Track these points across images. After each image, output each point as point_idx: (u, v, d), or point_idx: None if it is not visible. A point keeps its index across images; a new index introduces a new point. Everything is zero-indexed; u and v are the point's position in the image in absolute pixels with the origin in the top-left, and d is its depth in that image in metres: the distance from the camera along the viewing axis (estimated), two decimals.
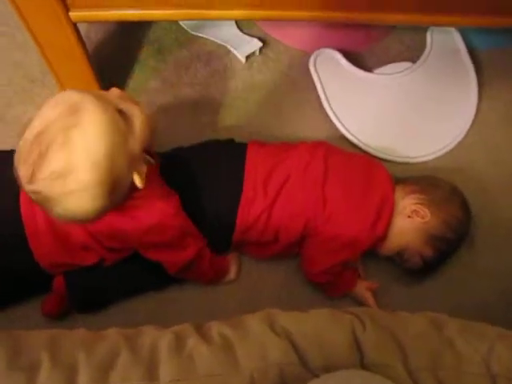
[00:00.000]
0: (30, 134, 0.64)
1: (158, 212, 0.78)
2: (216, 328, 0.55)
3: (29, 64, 1.15)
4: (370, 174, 0.91)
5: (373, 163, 0.95)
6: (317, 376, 0.50)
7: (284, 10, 0.88)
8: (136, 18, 0.89)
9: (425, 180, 0.95)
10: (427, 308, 0.67)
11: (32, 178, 0.63)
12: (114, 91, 0.71)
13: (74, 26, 0.88)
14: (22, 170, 0.64)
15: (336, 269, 0.89)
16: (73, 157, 0.62)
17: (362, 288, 0.93)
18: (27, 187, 0.64)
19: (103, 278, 0.87)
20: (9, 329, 0.85)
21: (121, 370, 0.49)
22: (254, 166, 0.88)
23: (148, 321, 0.66)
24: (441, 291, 0.98)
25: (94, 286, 0.88)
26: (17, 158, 0.65)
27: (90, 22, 1.11)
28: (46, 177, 0.62)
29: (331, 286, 0.93)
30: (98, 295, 0.90)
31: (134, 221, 0.77)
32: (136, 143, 0.68)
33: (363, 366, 0.53)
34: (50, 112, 0.65)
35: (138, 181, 0.72)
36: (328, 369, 0.50)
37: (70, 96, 0.66)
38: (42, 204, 0.66)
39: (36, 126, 0.64)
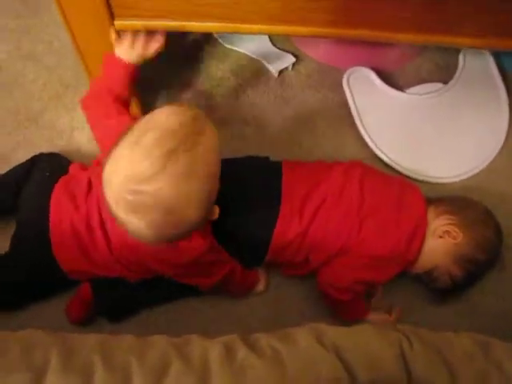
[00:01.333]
0: (141, 138, 0.61)
1: (197, 249, 0.76)
2: (264, 340, 0.55)
3: (63, 70, 1.17)
4: (404, 196, 0.91)
5: (407, 185, 0.95)
6: None
7: (316, 27, 0.88)
8: (176, 29, 0.90)
9: (457, 201, 0.96)
10: None
11: (148, 179, 0.59)
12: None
13: (118, 34, 0.89)
14: (131, 171, 0.60)
15: (358, 288, 0.88)
16: (196, 163, 0.61)
17: (377, 320, 0.92)
18: (134, 187, 0.60)
19: (130, 289, 0.88)
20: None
21: (174, 378, 0.49)
22: (291, 187, 0.88)
23: (170, 330, 0.66)
24: (464, 316, 0.97)
25: (121, 300, 0.89)
26: (119, 164, 0.61)
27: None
28: (164, 178, 0.60)
29: (345, 308, 0.91)
30: (125, 304, 0.90)
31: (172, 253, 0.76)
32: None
33: (410, 381, 0.53)
34: (171, 119, 0.62)
35: (216, 211, 0.71)
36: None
37: (186, 109, 0.65)
38: (133, 207, 0.61)
39: (151, 129, 0.61)
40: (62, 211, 0.82)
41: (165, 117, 0.63)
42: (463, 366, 0.55)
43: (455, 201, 0.95)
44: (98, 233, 0.81)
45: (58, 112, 1.12)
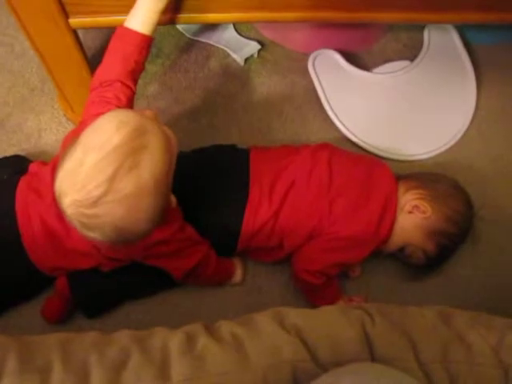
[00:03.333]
0: (84, 159, 0.60)
1: (164, 226, 0.76)
2: (226, 327, 0.55)
3: (28, 73, 1.16)
4: (373, 174, 0.91)
5: (376, 164, 0.95)
6: (328, 371, 0.50)
7: (279, 12, 0.88)
8: None
9: (426, 176, 0.96)
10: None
11: (95, 203, 0.60)
12: (149, 113, 0.68)
13: (74, 32, 0.88)
14: (78, 196, 0.60)
15: (332, 271, 0.88)
16: (141, 180, 0.61)
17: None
18: (84, 211, 0.60)
19: (107, 282, 0.87)
20: (9, 333, 0.87)
21: (133, 371, 0.49)
22: (259, 173, 0.87)
23: (152, 325, 0.66)
24: (443, 289, 0.98)
25: (99, 290, 0.88)
26: (67, 183, 0.61)
27: (89, 29, 1.11)
28: (112, 200, 0.60)
29: (317, 293, 0.91)
30: (103, 298, 0.90)
31: None
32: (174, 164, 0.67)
33: (374, 359, 0.53)
34: (112, 135, 0.61)
35: (174, 201, 0.71)
36: (339, 364, 0.50)
37: (131, 118, 0.63)
38: (88, 227, 0.62)
39: (93, 149, 0.61)
40: (29, 209, 0.80)
41: (107, 134, 0.61)
42: (425, 338, 0.55)
43: (424, 176, 0.95)
44: None
45: (25, 115, 1.11)
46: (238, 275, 0.95)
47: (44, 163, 0.90)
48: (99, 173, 0.59)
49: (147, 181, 0.61)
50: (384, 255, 0.94)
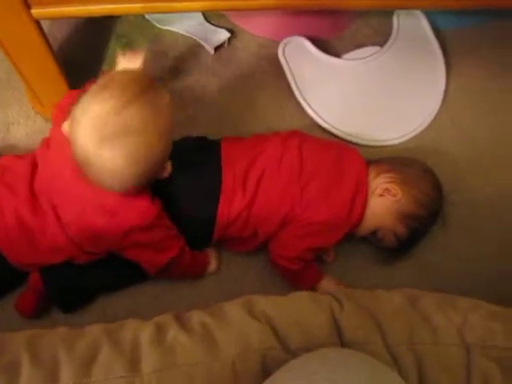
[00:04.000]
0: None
1: (144, 211, 0.78)
2: (196, 317, 0.56)
3: None
4: (343, 159, 0.91)
5: (346, 149, 0.95)
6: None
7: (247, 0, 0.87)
8: (100, 13, 0.87)
9: (396, 160, 0.97)
10: None
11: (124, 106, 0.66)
12: None
13: (37, 23, 0.86)
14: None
15: (308, 256, 0.89)
16: (159, 99, 0.71)
17: (331, 284, 0.92)
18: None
19: (80, 275, 0.86)
20: None
21: (103, 364, 0.49)
22: (231, 163, 0.87)
23: (128, 318, 0.66)
24: (415, 274, 0.99)
25: (72, 283, 0.87)
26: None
27: (53, 19, 1.09)
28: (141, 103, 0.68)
29: (298, 277, 0.92)
30: (77, 292, 0.89)
31: (117, 219, 0.77)
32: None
33: (343, 344, 0.54)
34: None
35: (168, 168, 0.77)
36: (308, 350, 0.50)
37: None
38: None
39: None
40: (1, 203, 0.80)
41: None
42: (392, 321, 0.56)
43: (394, 160, 0.96)
44: (50, 215, 0.80)
45: None
46: (212, 265, 0.95)
47: (18, 157, 0.88)
48: (127, 86, 0.69)
49: (162, 102, 0.71)
50: (357, 239, 0.95)
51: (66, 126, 0.73)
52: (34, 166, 0.84)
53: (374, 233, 0.92)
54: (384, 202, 0.90)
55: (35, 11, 0.83)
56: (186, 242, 0.88)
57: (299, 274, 0.91)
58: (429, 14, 1.15)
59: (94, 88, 0.70)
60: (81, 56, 1.13)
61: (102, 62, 1.14)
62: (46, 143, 0.85)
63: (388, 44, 1.13)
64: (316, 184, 0.87)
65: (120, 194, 0.75)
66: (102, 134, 0.66)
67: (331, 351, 0.49)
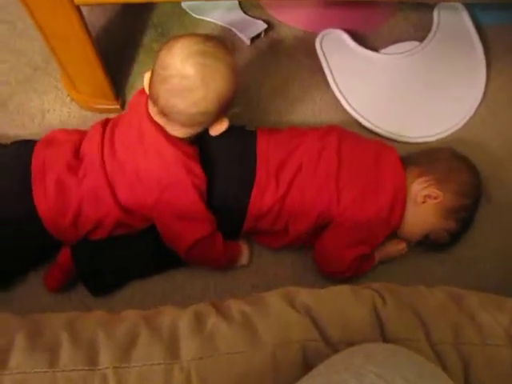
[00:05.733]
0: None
1: (194, 177, 0.82)
2: (235, 306, 0.55)
3: (31, 52, 1.14)
4: (381, 161, 0.90)
5: (384, 149, 0.93)
6: (338, 351, 0.50)
7: None
8: (139, 0, 0.88)
9: (424, 158, 0.94)
10: None
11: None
12: None
13: (78, 9, 0.86)
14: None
15: (356, 263, 0.88)
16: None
17: (391, 248, 0.94)
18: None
19: (112, 256, 0.87)
20: (15, 306, 0.85)
21: (142, 350, 0.48)
22: (266, 155, 0.87)
23: (155, 306, 0.66)
24: (451, 272, 0.98)
25: (104, 266, 0.87)
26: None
27: (93, 5, 1.09)
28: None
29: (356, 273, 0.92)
30: (108, 276, 0.89)
31: (163, 162, 0.81)
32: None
33: (385, 340, 0.53)
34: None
35: (224, 125, 0.83)
36: (350, 344, 0.49)
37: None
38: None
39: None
40: (45, 167, 0.83)
41: None
42: (436, 318, 0.54)
43: (422, 158, 0.94)
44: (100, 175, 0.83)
45: (28, 95, 1.10)
46: (244, 257, 0.94)
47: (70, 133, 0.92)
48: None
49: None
50: (412, 245, 0.95)
51: (145, 78, 0.82)
52: (81, 135, 0.89)
53: (427, 236, 0.92)
54: (428, 207, 0.89)
55: None
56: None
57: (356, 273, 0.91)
58: (471, 10, 1.12)
59: None
60: (117, 45, 1.14)
61: (138, 50, 1.14)
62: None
63: (428, 39, 1.10)
64: (354, 187, 0.86)
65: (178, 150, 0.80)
66: (190, 51, 0.74)
67: (376, 346, 0.47)
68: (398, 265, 0.96)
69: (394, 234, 0.94)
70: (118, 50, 1.13)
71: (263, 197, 0.85)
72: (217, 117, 0.82)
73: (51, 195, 0.81)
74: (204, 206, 0.83)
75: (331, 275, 0.90)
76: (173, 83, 0.76)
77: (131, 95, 1.09)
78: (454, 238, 0.93)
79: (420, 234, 0.92)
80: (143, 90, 0.84)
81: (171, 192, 0.81)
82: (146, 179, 0.82)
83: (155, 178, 0.82)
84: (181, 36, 0.78)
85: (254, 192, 0.85)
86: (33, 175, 0.82)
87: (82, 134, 0.90)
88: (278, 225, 0.88)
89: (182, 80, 0.75)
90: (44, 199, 0.81)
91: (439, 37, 1.10)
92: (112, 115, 1.07)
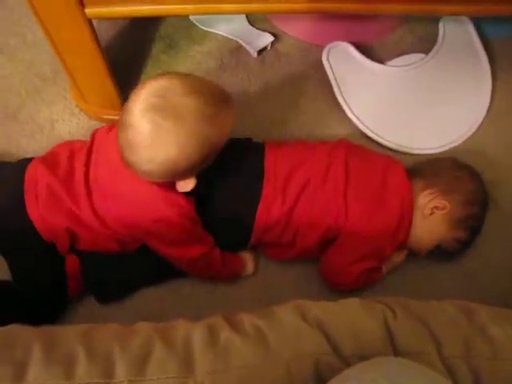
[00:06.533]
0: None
1: (178, 208, 0.79)
2: (248, 320, 0.55)
3: (40, 63, 1.16)
4: (389, 176, 0.90)
5: (392, 164, 0.93)
6: (350, 365, 0.50)
7: (291, 3, 0.87)
8: (149, 14, 0.89)
9: (427, 169, 0.95)
10: None
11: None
12: None
13: (89, 22, 0.88)
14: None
15: (363, 276, 0.89)
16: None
17: (395, 258, 0.94)
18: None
19: (119, 267, 0.88)
20: None
21: (157, 363, 0.49)
22: (273, 167, 0.87)
23: (163, 318, 0.66)
24: (456, 284, 0.97)
25: (110, 275, 0.88)
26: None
27: (105, 19, 1.11)
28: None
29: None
30: (115, 285, 0.90)
31: (141, 201, 0.79)
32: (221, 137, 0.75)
33: (396, 353, 0.53)
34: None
35: (190, 184, 0.77)
36: (361, 358, 0.50)
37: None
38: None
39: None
40: (36, 176, 0.83)
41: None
42: (448, 333, 0.55)
43: (426, 170, 0.95)
44: (84, 198, 0.81)
45: (37, 106, 1.11)
46: (249, 268, 0.95)
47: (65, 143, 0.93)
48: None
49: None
50: (422, 257, 0.95)
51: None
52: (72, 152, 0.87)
53: (437, 247, 0.93)
54: (436, 218, 0.90)
55: (89, 10, 0.85)
56: (223, 244, 0.88)
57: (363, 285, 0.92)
58: (476, 22, 1.13)
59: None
60: (125, 56, 1.15)
61: (146, 62, 1.16)
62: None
63: (433, 51, 1.11)
64: (362, 202, 0.87)
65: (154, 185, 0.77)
66: (153, 104, 0.69)
67: (388, 360, 0.48)
68: (404, 276, 0.97)
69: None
70: (126, 61, 1.14)
71: (270, 210, 0.86)
72: (178, 177, 0.76)
73: (43, 200, 0.81)
74: (196, 228, 0.83)
75: (337, 287, 0.91)
76: (127, 134, 0.71)
77: None
78: (464, 246, 0.94)
79: (430, 245, 0.92)
80: None
81: (159, 225, 0.80)
82: (131, 213, 0.80)
83: (139, 214, 0.79)
84: (162, 76, 0.72)
85: (261, 206, 0.86)
86: (25, 185, 0.82)
87: (80, 143, 0.90)
88: (285, 237, 0.89)
89: (134, 134, 0.70)
90: (35, 205, 0.81)
91: (445, 49, 1.11)
92: None
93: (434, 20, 1.16)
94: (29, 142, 1.07)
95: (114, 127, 0.84)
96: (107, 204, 0.81)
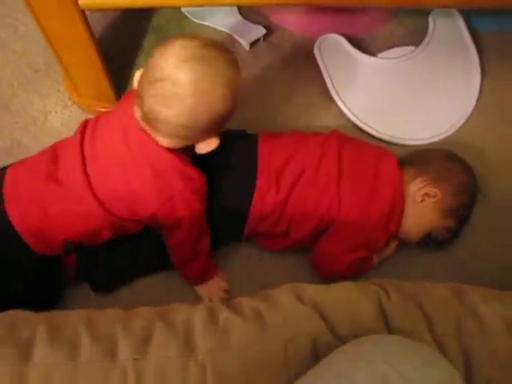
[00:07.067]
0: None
1: (191, 183, 0.79)
2: (246, 302, 0.57)
3: (32, 54, 1.15)
4: (381, 166, 0.91)
5: (384, 155, 0.95)
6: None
7: None
8: (144, 5, 0.89)
9: (418, 159, 0.97)
10: None
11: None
12: None
13: (83, 14, 0.88)
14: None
15: (355, 265, 0.90)
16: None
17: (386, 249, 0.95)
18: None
19: (111, 255, 0.87)
20: None
21: (159, 343, 0.50)
22: (267, 158, 0.88)
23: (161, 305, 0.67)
24: (445, 272, 0.99)
25: (103, 263, 0.88)
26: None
27: (99, 10, 1.11)
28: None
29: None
30: (107, 273, 0.90)
31: (155, 171, 0.77)
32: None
33: (390, 332, 0.55)
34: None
35: (212, 144, 0.76)
36: (356, 337, 0.51)
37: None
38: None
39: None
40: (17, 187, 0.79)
41: None
42: (439, 312, 0.56)
43: (416, 158, 0.97)
44: (81, 181, 0.77)
45: (30, 97, 1.11)
46: (212, 285, 0.92)
47: None
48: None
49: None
50: (413, 246, 0.97)
51: (136, 76, 0.76)
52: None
53: (427, 236, 0.94)
54: (426, 206, 0.91)
55: (82, 2, 0.85)
56: (218, 235, 0.89)
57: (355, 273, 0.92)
58: (466, 15, 1.15)
59: None
60: (117, 48, 1.15)
61: (138, 54, 1.16)
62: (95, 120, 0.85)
63: (423, 44, 1.13)
64: (354, 192, 0.88)
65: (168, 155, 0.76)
66: (187, 55, 0.68)
67: (383, 337, 0.49)
68: (395, 265, 0.98)
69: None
70: (118, 53, 1.14)
71: (264, 200, 0.87)
72: (205, 135, 0.76)
73: (23, 202, 0.78)
74: (202, 216, 0.83)
75: (328, 276, 0.91)
76: (162, 88, 0.69)
77: None
78: (453, 235, 0.96)
79: (421, 233, 0.94)
80: (133, 91, 0.79)
81: (171, 204, 0.78)
82: (139, 191, 0.78)
83: (150, 191, 0.77)
84: (180, 36, 0.72)
85: (256, 195, 0.87)
86: (4, 187, 0.78)
87: (60, 142, 0.86)
88: (279, 227, 0.90)
89: (172, 86, 0.68)
90: (16, 208, 0.77)
91: (434, 42, 1.13)
92: None
93: (424, 13, 1.18)
94: (22, 134, 1.07)
95: (103, 114, 0.84)
96: (109, 181, 0.78)
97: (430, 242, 0.96)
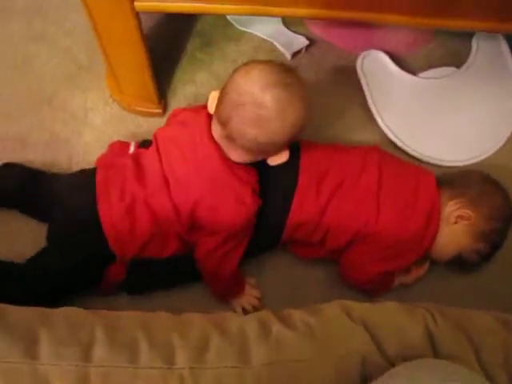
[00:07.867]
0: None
1: (248, 205, 0.83)
2: (296, 315, 0.57)
3: (76, 51, 1.17)
4: (420, 183, 0.92)
5: (424, 173, 0.96)
6: (393, 365, 0.52)
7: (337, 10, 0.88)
8: (193, 11, 0.90)
9: (456, 180, 0.97)
10: None
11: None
12: None
13: (137, 15, 0.89)
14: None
15: (378, 278, 0.91)
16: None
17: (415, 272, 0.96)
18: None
19: (157, 265, 0.88)
20: None
21: (215, 352, 0.50)
22: (308, 167, 0.89)
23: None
24: (475, 298, 0.98)
25: (148, 273, 0.89)
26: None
27: (153, 13, 1.12)
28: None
29: (373, 290, 0.94)
30: (150, 281, 0.91)
31: (213, 183, 0.82)
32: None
33: (436, 357, 0.55)
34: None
35: (283, 156, 0.83)
36: (405, 359, 0.52)
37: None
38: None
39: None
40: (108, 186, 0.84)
41: None
42: (486, 339, 0.57)
43: (455, 180, 0.97)
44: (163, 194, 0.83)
45: (72, 93, 1.12)
46: (242, 299, 0.93)
47: (123, 148, 0.93)
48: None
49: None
50: (443, 266, 0.97)
51: (211, 98, 0.83)
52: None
53: (457, 257, 0.94)
54: (459, 227, 0.92)
55: (138, 4, 0.86)
56: (256, 241, 0.90)
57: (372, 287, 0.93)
58: (510, 39, 1.15)
59: None
60: (161, 49, 1.16)
61: (182, 57, 1.17)
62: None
63: (465, 66, 1.14)
64: (392, 207, 0.88)
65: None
66: (269, 80, 0.75)
67: (438, 362, 0.50)
68: (425, 287, 0.98)
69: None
70: (162, 55, 1.15)
71: (303, 206, 0.88)
72: (282, 148, 0.83)
73: (115, 203, 0.83)
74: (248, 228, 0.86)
75: (349, 282, 0.93)
76: (248, 110, 0.75)
77: (172, 101, 1.13)
78: (484, 259, 0.96)
79: (451, 253, 0.94)
80: (200, 107, 0.86)
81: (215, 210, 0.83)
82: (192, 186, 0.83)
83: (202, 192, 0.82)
84: (259, 62, 0.79)
85: (295, 200, 0.87)
86: (97, 188, 0.84)
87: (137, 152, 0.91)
88: (315, 236, 0.91)
89: (258, 109, 0.75)
90: (108, 208, 0.83)
91: (477, 64, 1.13)
92: (152, 119, 1.10)
93: (468, 35, 1.18)
94: (62, 128, 1.09)
95: (172, 123, 0.91)
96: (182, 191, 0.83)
97: (460, 263, 0.96)
